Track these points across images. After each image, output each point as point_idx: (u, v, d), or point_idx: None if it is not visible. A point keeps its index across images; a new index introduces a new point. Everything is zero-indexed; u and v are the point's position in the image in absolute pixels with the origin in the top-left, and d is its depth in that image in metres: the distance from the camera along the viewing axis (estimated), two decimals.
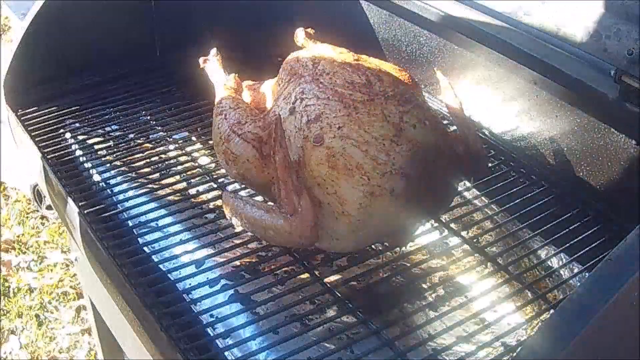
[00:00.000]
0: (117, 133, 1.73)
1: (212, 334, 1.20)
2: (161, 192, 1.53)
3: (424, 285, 1.34)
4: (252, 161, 1.31)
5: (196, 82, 1.80)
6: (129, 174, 1.59)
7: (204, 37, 1.73)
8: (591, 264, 1.27)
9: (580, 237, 1.34)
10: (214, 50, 1.61)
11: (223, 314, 1.23)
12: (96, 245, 1.37)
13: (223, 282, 1.31)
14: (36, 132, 1.70)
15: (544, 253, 1.37)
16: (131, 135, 1.71)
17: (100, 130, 1.73)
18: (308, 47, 1.52)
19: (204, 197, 1.51)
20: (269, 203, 1.30)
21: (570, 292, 0.86)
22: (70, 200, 1.48)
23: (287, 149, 1.20)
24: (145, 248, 1.37)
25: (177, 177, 1.58)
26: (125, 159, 1.63)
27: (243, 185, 1.44)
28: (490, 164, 1.53)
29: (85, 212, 1.44)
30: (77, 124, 1.75)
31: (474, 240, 1.40)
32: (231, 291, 1.29)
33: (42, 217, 3.30)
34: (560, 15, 1.25)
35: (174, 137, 1.71)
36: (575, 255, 1.32)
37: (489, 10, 1.43)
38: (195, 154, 1.64)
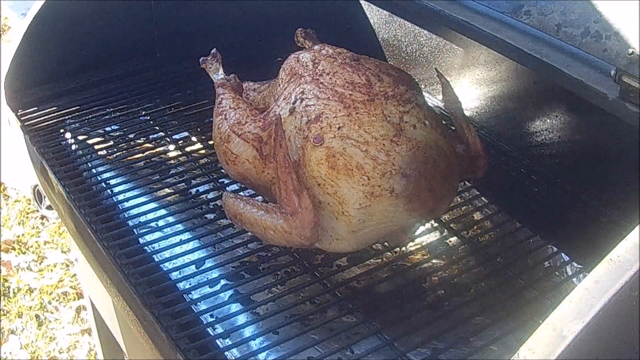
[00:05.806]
0: (117, 133, 1.73)
1: (212, 334, 1.20)
2: (161, 192, 1.53)
3: (424, 285, 1.34)
4: (252, 161, 1.31)
5: (196, 82, 1.80)
6: (129, 174, 1.59)
7: (204, 37, 1.73)
8: (591, 263, 1.27)
9: (580, 237, 1.34)
10: (214, 51, 1.61)
11: (223, 314, 1.23)
12: (96, 245, 1.37)
13: (223, 282, 1.31)
14: (36, 132, 1.70)
15: (544, 253, 1.37)
16: (131, 135, 1.71)
17: (100, 130, 1.73)
18: (308, 47, 1.52)
19: (204, 197, 1.51)
20: (269, 203, 1.30)
21: (569, 292, 0.86)
22: (70, 200, 1.48)
23: (287, 149, 1.20)
24: (145, 248, 1.37)
25: (177, 177, 1.58)
26: (125, 159, 1.63)
27: (243, 185, 1.44)
28: (490, 164, 1.52)
29: (85, 212, 1.44)
30: (77, 124, 1.75)
31: (474, 240, 1.40)
32: (231, 291, 1.29)
33: (42, 217, 3.30)
34: (560, 15, 1.25)
35: (174, 137, 1.71)
36: (575, 255, 1.32)
37: (489, 10, 1.43)
38: (195, 154, 1.64)
